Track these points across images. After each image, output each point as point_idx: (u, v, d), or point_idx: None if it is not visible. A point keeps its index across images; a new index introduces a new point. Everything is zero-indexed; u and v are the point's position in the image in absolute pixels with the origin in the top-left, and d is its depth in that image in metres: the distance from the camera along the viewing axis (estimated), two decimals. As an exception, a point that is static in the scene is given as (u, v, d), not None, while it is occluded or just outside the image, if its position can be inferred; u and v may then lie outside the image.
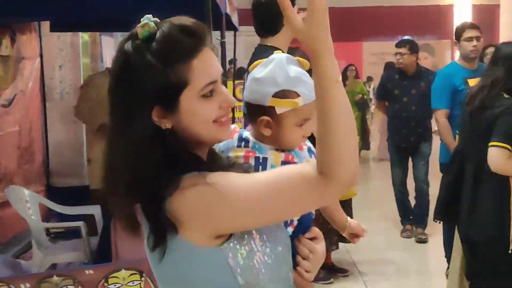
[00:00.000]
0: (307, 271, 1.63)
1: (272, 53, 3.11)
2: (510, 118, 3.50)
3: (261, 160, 1.69)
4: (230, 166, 1.54)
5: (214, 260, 1.38)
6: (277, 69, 1.67)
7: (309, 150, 1.77)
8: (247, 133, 1.76)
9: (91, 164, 5.61)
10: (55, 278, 3.30)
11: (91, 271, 3.37)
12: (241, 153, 1.71)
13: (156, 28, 1.35)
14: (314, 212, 1.78)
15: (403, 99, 6.21)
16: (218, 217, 1.33)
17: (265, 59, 1.77)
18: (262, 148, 1.71)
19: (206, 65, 1.37)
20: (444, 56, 17.28)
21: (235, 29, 6.25)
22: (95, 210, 4.73)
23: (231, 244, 1.38)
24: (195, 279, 1.41)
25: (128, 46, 1.37)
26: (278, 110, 1.64)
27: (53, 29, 6.14)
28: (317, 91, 1.32)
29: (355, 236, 2.16)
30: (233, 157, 1.70)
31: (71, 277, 3.32)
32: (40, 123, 6.28)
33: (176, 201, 1.31)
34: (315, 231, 1.70)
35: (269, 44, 3.31)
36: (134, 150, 1.34)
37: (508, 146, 3.45)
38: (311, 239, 1.68)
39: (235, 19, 5.78)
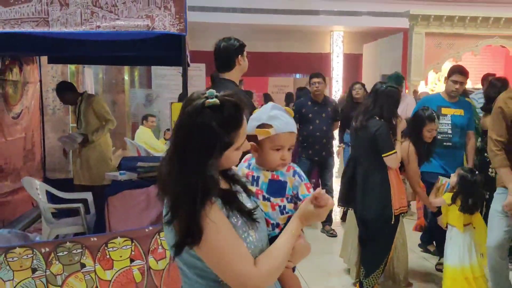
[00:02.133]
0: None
1: (228, 84, 3.37)
2: (383, 134, 3.79)
3: (255, 178, 1.83)
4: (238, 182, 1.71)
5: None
6: (263, 111, 1.83)
7: (295, 172, 1.83)
8: (253, 160, 1.89)
9: (75, 165, 5.74)
10: (68, 244, 3.33)
11: (95, 238, 3.41)
12: (245, 172, 1.87)
13: (218, 102, 1.49)
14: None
15: (316, 121, 5.97)
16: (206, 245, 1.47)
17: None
18: (257, 169, 1.85)
19: (244, 131, 1.59)
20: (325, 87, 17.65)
21: (188, 65, 6.27)
22: (87, 195, 4.75)
23: None
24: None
25: (200, 112, 1.49)
26: (259, 137, 1.79)
27: (49, 61, 6.12)
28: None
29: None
30: (241, 174, 1.83)
31: (80, 243, 3.36)
32: (39, 131, 6.24)
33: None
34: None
35: (226, 77, 3.47)
36: (192, 184, 1.46)
37: (394, 151, 3.77)
38: None
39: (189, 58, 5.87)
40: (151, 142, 8.21)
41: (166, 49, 4.73)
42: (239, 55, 3.43)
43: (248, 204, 1.66)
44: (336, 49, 14.93)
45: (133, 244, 3.44)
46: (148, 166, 4.49)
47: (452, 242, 3.97)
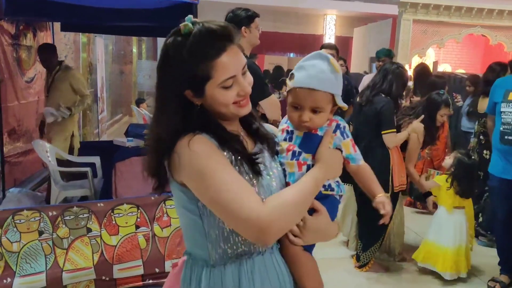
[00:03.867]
0: (294, 235, 1.30)
1: None
2: (388, 112, 3.51)
3: (289, 132, 1.41)
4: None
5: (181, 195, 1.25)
6: (304, 58, 1.38)
7: (337, 127, 1.39)
8: None
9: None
10: (75, 208, 3.04)
11: (102, 204, 3.13)
12: (282, 127, 1.44)
13: (193, 28, 1.18)
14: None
15: None
16: (187, 176, 1.19)
17: None
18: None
19: (227, 64, 1.19)
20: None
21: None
22: (95, 160, 4.43)
23: None
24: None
25: (170, 40, 1.21)
26: (286, 89, 1.41)
27: (62, 29, 5.66)
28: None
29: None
30: (279, 129, 1.44)
31: (86, 208, 3.07)
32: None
33: (181, 141, 1.18)
34: (316, 204, 1.33)
35: None
36: (167, 117, 1.22)
37: (394, 130, 3.48)
38: (311, 211, 1.33)
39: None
40: None
41: (176, 20, 4.40)
42: (244, 26, 3.06)
43: (267, 163, 1.32)
44: (329, 31, 14.50)
45: (139, 211, 3.16)
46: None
47: (437, 220, 3.78)
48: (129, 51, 10.82)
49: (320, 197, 1.34)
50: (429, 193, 3.87)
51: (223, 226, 1.23)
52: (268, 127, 1.48)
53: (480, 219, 4.46)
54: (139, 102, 8.45)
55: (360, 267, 3.85)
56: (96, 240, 3.07)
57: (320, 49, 4.56)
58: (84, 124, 6.75)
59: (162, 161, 1.23)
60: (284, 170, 1.36)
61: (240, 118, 1.34)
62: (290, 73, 1.37)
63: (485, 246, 4.41)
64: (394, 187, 3.54)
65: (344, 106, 1.39)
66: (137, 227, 3.15)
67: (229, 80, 1.21)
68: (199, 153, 1.16)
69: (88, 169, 4.01)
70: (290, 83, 1.36)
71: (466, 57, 13.78)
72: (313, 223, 1.30)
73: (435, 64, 11.41)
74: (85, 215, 3.06)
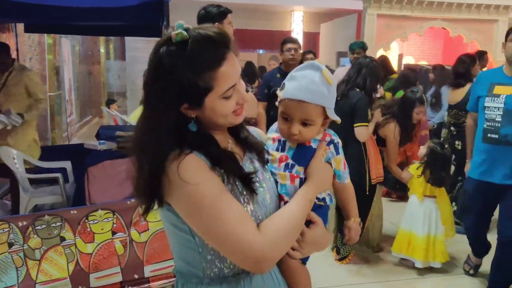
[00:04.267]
0: (292, 249, 1.21)
1: None
2: (363, 106, 3.45)
3: (281, 143, 1.31)
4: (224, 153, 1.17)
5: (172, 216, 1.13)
6: (297, 67, 1.30)
7: (331, 142, 1.33)
8: None
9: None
10: (46, 217, 2.84)
11: (75, 211, 2.93)
12: (273, 135, 1.34)
13: (187, 36, 1.05)
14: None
15: None
16: (176, 202, 1.08)
17: None
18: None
19: (228, 73, 1.08)
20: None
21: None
22: (66, 164, 4.19)
23: None
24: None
25: (163, 50, 1.07)
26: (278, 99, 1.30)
27: (26, 30, 5.38)
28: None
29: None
30: (268, 137, 1.35)
31: (59, 216, 2.87)
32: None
33: (171, 167, 1.05)
34: (313, 216, 1.25)
35: None
36: (160, 136, 1.07)
37: (366, 123, 3.41)
38: (308, 222, 1.25)
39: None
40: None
41: (146, 18, 4.21)
42: (216, 23, 2.90)
43: (260, 175, 1.21)
44: (296, 27, 14.45)
45: (115, 216, 2.97)
46: (128, 135, 3.99)
47: (409, 208, 3.76)
48: (96, 51, 10.49)
49: (314, 208, 1.28)
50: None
51: None
52: (255, 131, 1.37)
53: (454, 208, 4.45)
54: (109, 103, 8.17)
55: (340, 259, 3.81)
56: (70, 249, 2.88)
57: (283, 43, 4.28)
58: (53, 128, 6.47)
59: (151, 182, 1.09)
60: (275, 180, 1.28)
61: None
62: (282, 83, 1.28)
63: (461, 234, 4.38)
64: (372, 180, 3.49)
65: (337, 119, 1.31)
66: (114, 233, 2.97)
67: (230, 90, 1.10)
68: (190, 181, 1.04)
69: (59, 174, 3.79)
70: (280, 94, 1.27)
71: (428, 49, 13.97)
72: (311, 236, 1.23)
73: (400, 57, 11.51)
74: (58, 224, 2.86)
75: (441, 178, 3.58)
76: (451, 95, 4.36)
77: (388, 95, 5.36)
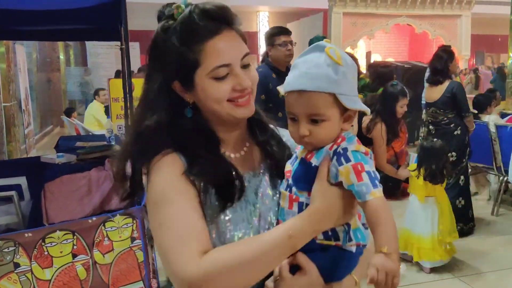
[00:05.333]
0: None
1: None
2: None
3: (297, 154, 1.05)
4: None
5: None
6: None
7: (335, 152, 0.97)
8: None
9: None
10: (-3, 241, 2.58)
11: (30, 234, 2.66)
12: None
13: (182, 10, 1.00)
14: None
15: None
16: (148, 206, 1.00)
17: None
18: None
19: (219, 48, 0.97)
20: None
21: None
22: (21, 180, 3.87)
23: None
24: None
25: (160, 25, 1.02)
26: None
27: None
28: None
29: None
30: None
31: (12, 240, 2.61)
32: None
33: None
34: (302, 261, 0.96)
35: None
36: (152, 110, 1.01)
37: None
38: (295, 268, 0.96)
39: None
40: (99, 116, 6.99)
41: (102, 21, 3.96)
42: None
43: (261, 191, 1.04)
44: (263, 28, 14.41)
45: (75, 237, 2.72)
46: (88, 146, 3.73)
47: (410, 209, 3.71)
48: (55, 58, 10.07)
49: (314, 248, 0.96)
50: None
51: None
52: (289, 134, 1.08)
53: (462, 203, 4.31)
54: (69, 112, 7.78)
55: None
56: (26, 276, 2.61)
57: (273, 35, 3.46)
58: (9, 140, 6.07)
59: (136, 166, 1.02)
60: (278, 203, 1.03)
61: (249, 124, 1.10)
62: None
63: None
64: None
65: (366, 109, 1.03)
66: (74, 255, 2.71)
67: (222, 68, 0.98)
68: (159, 180, 0.98)
69: (13, 192, 3.48)
70: (281, 89, 1.01)
71: (394, 46, 14.11)
72: (289, 286, 0.94)
73: (368, 54, 11.54)
74: (11, 249, 2.59)
75: (434, 173, 3.44)
76: (428, 93, 4.23)
77: (359, 96, 5.29)
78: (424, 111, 4.30)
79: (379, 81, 5.25)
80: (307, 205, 0.96)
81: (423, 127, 4.36)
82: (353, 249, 0.97)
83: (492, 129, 4.73)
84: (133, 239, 2.85)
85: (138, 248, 2.87)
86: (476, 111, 5.08)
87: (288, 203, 0.99)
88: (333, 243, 0.96)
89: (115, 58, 12.52)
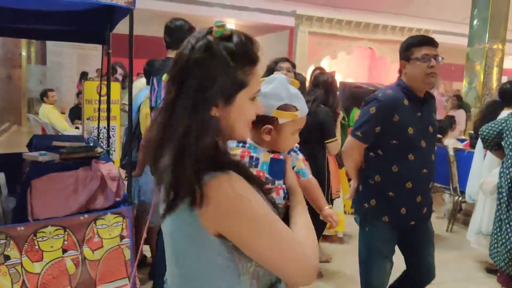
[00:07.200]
0: None
1: None
2: (330, 121, 3.55)
3: (254, 159, 1.37)
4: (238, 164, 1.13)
5: (216, 246, 1.04)
6: (280, 86, 1.38)
7: (293, 149, 1.49)
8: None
9: None
10: (-12, 234, 2.65)
11: (22, 228, 2.76)
12: (238, 151, 1.38)
13: (229, 31, 1.05)
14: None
15: None
16: (233, 225, 1.01)
17: (266, 78, 1.43)
18: (255, 149, 1.39)
19: (259, 76, 1.09)
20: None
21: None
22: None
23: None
24: (191, 255, 1.07)
25: (211, 40, 1.03)
26: (281, 121, 1.36)
27: None
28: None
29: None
30: (232, 153, 1.30)
31: (3, 233, 2.69)
32: None
33: (213, 183, 0.99)
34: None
35: (173, 56, 2.97)
36: (201, 132, 1.00)
37: (336, 138, 3.54)
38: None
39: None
40: (55, 122, 6.94)
41: (90, 25, 4.07)
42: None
43: None
44: (227, 40, 14.55)
45: (66, 233, 2.83)
46: (69, 146, 3.81)
47: None
48: (17, 55, 9.85)
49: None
50: None
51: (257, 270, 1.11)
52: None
53: None
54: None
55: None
56: (16, 269, 2.69)
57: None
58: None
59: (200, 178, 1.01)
60: None
61: None
62: (285, 105, 1.37)
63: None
64: (332, 194, 3.62)
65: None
66: (64, 250, 2.82)
67: (257, 92, 1.11)
68: (246, 197, 1.01)
69: (-7, 188, 3.52)
70: (298, 113, 1.39)
71: (355, 67, 14.69)
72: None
73: (333, 74, 11.99)
74: (2, 241, 2.67)
75: None
76: None
77: None
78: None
79: (352, 100, 5.59)
80: (284, 189, 1.37)
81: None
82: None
83: (451, 152, 5.16)
84: (122, 237, 2.99)
85: (126, 247, 3.01)
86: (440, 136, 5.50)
87: (275, 193, 1.35)
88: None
89: (77, 58, 12.38)
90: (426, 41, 2.50)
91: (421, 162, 2.51)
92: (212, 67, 1.02)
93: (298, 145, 1.50)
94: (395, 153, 2.49)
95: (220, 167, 1.02)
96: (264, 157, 1.38)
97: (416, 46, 2.47)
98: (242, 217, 1.01)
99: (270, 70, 3.20)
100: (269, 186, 1.25)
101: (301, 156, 1.49)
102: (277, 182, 1.36)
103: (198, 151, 1.00)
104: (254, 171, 1.34)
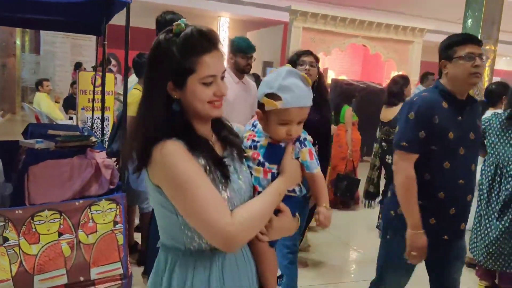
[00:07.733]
0: (261, 233, 1.40)
1: None
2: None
3: (255, 142, 1.50)
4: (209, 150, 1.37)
5: (157, 195, 1.32)
6: (276, 76, 1.45)
7: (298, 139, 1.50)
8: (258, 122, 1.54)
9: None
10: (-12, 216, 2.78)
11: (20, 211, 2.88)
12: (248, 134, 1.53)
13: (184, 28, 1.31)
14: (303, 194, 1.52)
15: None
16: (162, 183, 1.28)
17: (276, 69, 1.57)
18: (260, 134, 1.51)
19: (209, 63, 1.30)
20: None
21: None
22: (-5, 163, 4.00)
23: None
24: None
25: (162, 36, 1.33)
26: (266, 108, 1.46)
27: None
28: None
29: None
30: (245, 136, 1.53)
31: (2, 215, 2.81)
32: None
33: (156, 147, 1.27)
34: (282, 206, 1.44)
35: None
36: (151, 107, 1.33)
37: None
38: (277, 211, 1.43)
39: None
40: (47, 111, 7.06)
41: (87, 17, 4.18)
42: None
43: (238, 167, 1.43)
44: (222, 33, 14.58)
45: (62, 217, 2.96)
46: (64, 135, 3.94)
47: None
48: (12, 43, 9.89)
49: (284, 198, 1.46)
50: None
51: None
52: (237, 128, 1.57)
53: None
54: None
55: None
56: (14, 250, 2.82)
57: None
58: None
59: (143, 151, 1.30)
60: (251, 173, 1.47)
61: (212, 123, 1.44)
62: (271, 93, 1.44)
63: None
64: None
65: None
66: (60, 234, 2.95)
67: (210, 77, 1.31)
68: (173, 162, 1.25)
69: (-10, 174, 3.64)
70: (279, 104, 1.42)
71: (348, 65, 14.84)
72: (278, 223, 1.42)
73: (325, 71, 12.13)
74: (1, 224, 2.79)
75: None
76: (384, 113, 4.74)
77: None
78: (378, 129, 4.81)
79: (343, 97, 5.75)
80: (277, 173, 1.45)
81: (376, 144, 4.85)
82: (301, 197, 1.55)
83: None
84: (115, 222, 3.13)
85: (119, 232, 3.15)
86: None
87: (263, 174, 1.46)
88: (293, 194, 1.50)
89: (70, 48, 12.44)
90: (470, 39, 2.32)
91: (457, 171, 2.29)
92: (159, 59, 1.31)
93: (307, 137, 1.52)
94: (430, 159, 2.29)
95: (173, 136, 1.29)
96: (263, 141, 1.49)
97: (459, 44, 2.29)
98: (167, 177, 1.26)
99: (291, 63, 3.07)
100: (247, 154, 1.47)
101: (308, 148, 1.50)
102: (267, 165, 1.45)
103: (149, 122, 1.30)
104: (250, 152, 1.48)
